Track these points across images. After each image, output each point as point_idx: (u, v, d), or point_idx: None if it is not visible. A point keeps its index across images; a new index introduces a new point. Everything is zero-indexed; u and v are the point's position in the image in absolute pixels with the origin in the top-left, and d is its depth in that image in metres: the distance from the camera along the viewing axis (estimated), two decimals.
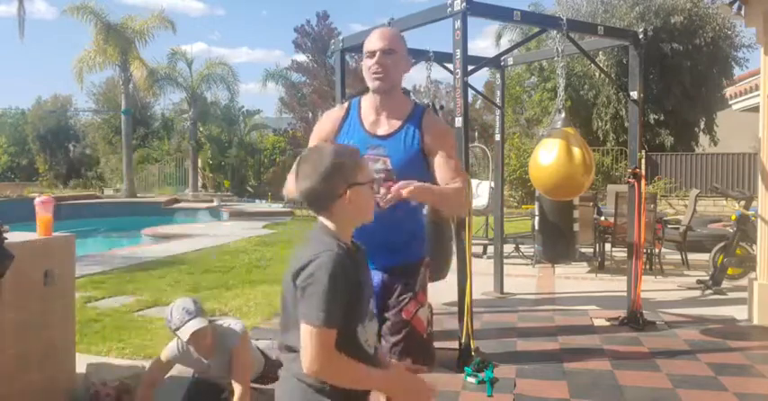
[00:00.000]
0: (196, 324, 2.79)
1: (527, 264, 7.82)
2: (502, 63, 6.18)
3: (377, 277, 2.23)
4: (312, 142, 2.39)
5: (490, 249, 7.74)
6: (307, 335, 1.48)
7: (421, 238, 2.42)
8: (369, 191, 1.68)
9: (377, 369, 1.64)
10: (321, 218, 1.67)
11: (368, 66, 2.32)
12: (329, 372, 1.51)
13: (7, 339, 2.93)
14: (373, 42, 2.31)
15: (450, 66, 4.63)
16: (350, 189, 1.60)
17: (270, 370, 3.49)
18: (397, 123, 2.33)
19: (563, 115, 4.63)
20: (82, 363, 3.43)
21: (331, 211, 1.64)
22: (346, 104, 2.46)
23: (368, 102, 2.38)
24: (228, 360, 2.97)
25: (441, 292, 5.00)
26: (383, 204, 2.07)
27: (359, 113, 2.39)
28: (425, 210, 2.68)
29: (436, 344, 3.94)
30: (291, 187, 2.04)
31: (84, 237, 11.57)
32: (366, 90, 2.42)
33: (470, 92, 4.46)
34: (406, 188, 2.07)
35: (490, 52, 37.77)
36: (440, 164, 2.30)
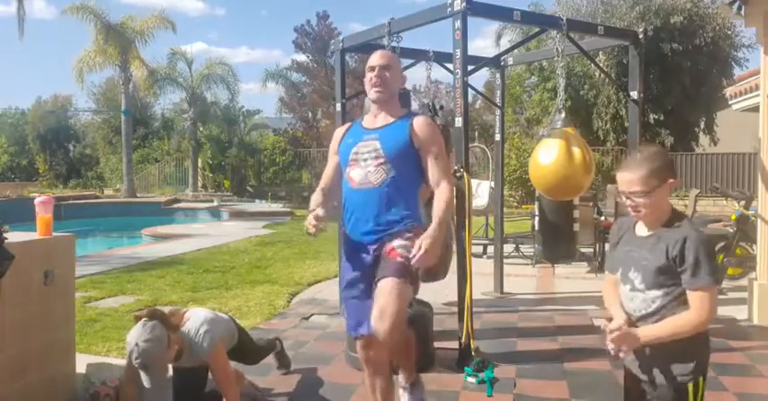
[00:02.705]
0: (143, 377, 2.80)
1: (527, 264, 7.82)
2: (502, 63, 6.18)
3: (370, 253, 2.62)
4: (330, 155, 2.88)
5: (490, 249, 7.74)
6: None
7: (417, 218, 2.67)
8: None
9: None
10: None
11: (369, 77, 2.72)
12: None
13: (7, 339, 2.93)
14: (374, 60, 2.73)
15: (450, 66, 4.63)
16: None
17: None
18: (390, 119, 2.72)
19: (563, 115, 4.63)
20: (82, 363, 3.43)
21: None
22: (351, 122, 2.92)
23: (368, 115, 2.82)
24: (199, 356, 3.00)
25: (441, 292, 5.01)
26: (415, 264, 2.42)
27: (360, 123, 2.84)
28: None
29: (436, 344, 3.97)
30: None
31: (84, 237, 11.59)
32: (364, 90, 2.80)
33: (470, 92, 4.45)
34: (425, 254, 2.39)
35: (490, 52, 37.77)
36: (430, 165, 2.65)
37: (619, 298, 2.14)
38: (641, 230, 2.14)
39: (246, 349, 3.44)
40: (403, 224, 2.62)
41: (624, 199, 2.08)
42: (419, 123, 2.67)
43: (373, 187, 2.60)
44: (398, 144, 2.62)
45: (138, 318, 2.89)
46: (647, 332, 1.99)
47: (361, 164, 2.63)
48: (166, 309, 3.18)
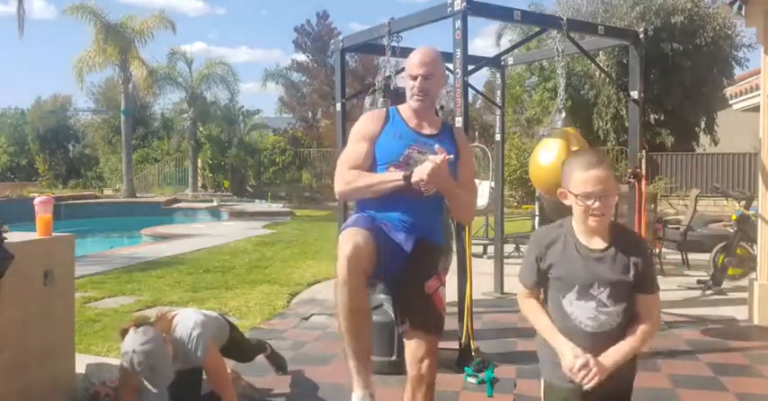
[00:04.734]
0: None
1: None
2: (502, 63, 6.18)
3: (411, 241, 2.50)
4: (356, 140, 2.59)
5: (490, 249, 7.74)
6: None
7: (446, 228, 2.87)
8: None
9: None
10: None
11: (410, 86, 2.58)
12: None
13: (7, 339, 2.92)
14: (416, 67, 2.57)
15: (450, 66, 4.62)
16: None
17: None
18: (435, 130, 2.62)
19: (563, 115, 4.63)
20: (81, 363, 3.42)
21: None
22: (385, 109, 2.73)
23: (407, 111, 2.64)
24: (194, 361, 2.97)
25: None
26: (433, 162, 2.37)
27: (400, 116, 2.63)
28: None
29: None
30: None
31: (83, 237, 11.58)
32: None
33: (470, 92, 4.45)
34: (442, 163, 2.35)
35: (490, 52, 37.70)
36: (459, 175, 2.60)
37: (548, 316, 2.10)
38: (590, 242, 1.99)
39: (239, 345, 3.43)
40: (440, 238, 2.70)
41: (589, 202, 1.93)
42: (460, 138, 2.70)
43: (425, 194, 2.49)
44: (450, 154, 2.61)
45: (124, 331, 2.83)
46: (612, 359, 1.86)
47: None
48: (153, 312, 3.15)
